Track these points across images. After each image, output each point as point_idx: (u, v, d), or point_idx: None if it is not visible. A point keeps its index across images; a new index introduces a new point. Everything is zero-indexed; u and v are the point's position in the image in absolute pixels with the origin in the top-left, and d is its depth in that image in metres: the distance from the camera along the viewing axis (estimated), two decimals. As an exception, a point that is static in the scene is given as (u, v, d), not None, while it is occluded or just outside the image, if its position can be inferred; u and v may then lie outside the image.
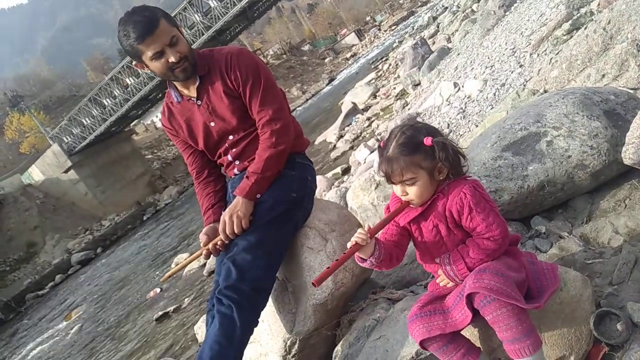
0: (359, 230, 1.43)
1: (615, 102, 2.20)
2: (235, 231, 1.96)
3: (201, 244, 2.08)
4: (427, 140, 1.38)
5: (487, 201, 1.41)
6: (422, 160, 1.39)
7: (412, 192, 1.44)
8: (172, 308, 7.77)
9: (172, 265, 10.74)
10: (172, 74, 1.99)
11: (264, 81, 2.05)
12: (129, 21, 1.89)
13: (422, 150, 1.39)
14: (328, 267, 1.41)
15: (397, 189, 1.47)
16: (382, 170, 1.45)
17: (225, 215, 1.98)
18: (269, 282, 1.97)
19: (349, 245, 1.43)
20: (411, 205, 1.48)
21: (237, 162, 2.17)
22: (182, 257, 10.59)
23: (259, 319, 1.91)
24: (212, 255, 2.07)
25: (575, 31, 4.63)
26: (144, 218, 30.13)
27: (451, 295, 1.45)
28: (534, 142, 2.15)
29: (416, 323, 1.42)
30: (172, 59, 1.92)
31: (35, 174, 34.74)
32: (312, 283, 1.38)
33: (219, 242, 2.02)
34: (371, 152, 7.68)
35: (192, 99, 2.10)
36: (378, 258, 1.46)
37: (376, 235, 1.49)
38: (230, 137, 2.13)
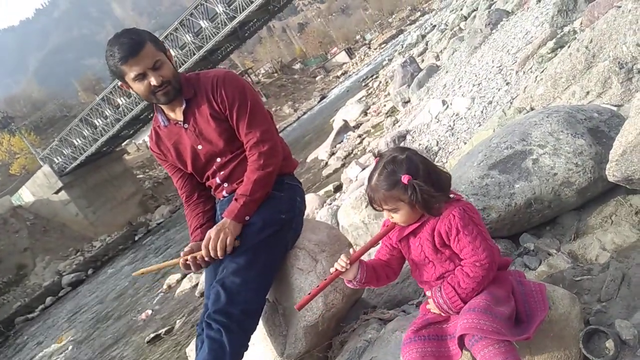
0: (341, 256, 1.50)
1: (599, 119, 2.24)
2: (218, 246, 1.93)
3: (181, 254, 2.05)
4: (404, 179, 1.41)
5: (476, 225, 1.43)
6: (401, 194, 1.42)
7: (396, 218, 1.49)
8: (164, 330, 7.67)
9: (164, 287, 10.64)
10: (154, 97, 2.00)
11: (251, 103, 2.06)
12: (116, 42, 1.92)
13: (400, 186, 1.42)
14: (309, 293, 1.47)
15: (384, 212, 1.51)
16: (367, 196, 1.51)
17: (211, 232, 1.97)
18: (258, 305, 1.96)
19: (331, 270, 1.51)
20: (401, 225, 1.51)
21: (225, 185, 2.17)
22: (173, 278, 10.49)
23: (249, 343, 1.90)
24: (191, 268, 2.03)
25: (559, 49, 4.71)
26: (136, 238, 29.84)
27: (452, 324, 1.45)
28: (520, 161, 2.17)
29: (410, 346, 1.42)
30: (153, 82, 1.94)
31: (26, 195, 34.40)
32: (296, 308, 1.44)
33: (198, 256, 1.98)
34: (363, 169, 7.71)
35: (179, 122, 2.11)
36: (360, 281, 1.53)
37: (363, 256, 1.51)
38: (218, 160, 2.13)
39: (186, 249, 2.07)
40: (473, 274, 1.40)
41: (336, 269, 1.49)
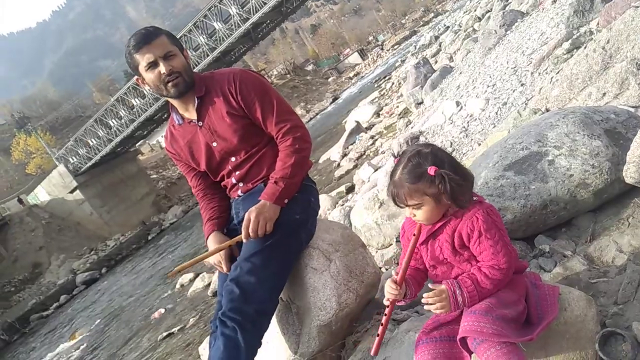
0: (388, 283, 1.46)
1: (615, 120, 2.22)
2: (259, 233, 1.94)
3: (210, 248, 2.05)
4: (431, 170, 1.39)
5: (499, 229, 1.42)
6: (426, 188, 1.41)
7: (419, 215, 1.47)
8: (176, 329, 7.73)
9: (177, 286, 10.71)
10: (165, 88, 2.01)
11: (276, 97, 2.10)
12: (134, 34, 2.01)
13: (426, 178, 1.40)
14: (377, 334, 1.47)
15: (406, 210, 1.50)
16: (389, 193, 1.48)
17: (250, 214, 1.95)
18: (272, 305, 1.97)
19: (385, 302, 1.48)
20: (425, 223, 1.50)
21: (241, 184, 2.17)
22: (186, 277, 10.56)
23: (263, 341, 1.91)
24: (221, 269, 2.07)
25: (575, 50, 4.66)
26: (149, 238, 30.16)
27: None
28: (536, 162, 2.16)
29: (422, 348, 1.42)
30: (163, 70, 1.97)
31: (41, 194, 34.93)
32: (372, 354, 1.47)
33: (233, 245, 2.00)
34: (375, 170, 7.69)
35: (193, 120, 2.12)
36: (412, 296, 1.51)
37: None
38: (232, 159, 2.13)
39: (213, 244, 2.07)
40: (492, 276, 1.40)
41: (390, 300, 1.46)
